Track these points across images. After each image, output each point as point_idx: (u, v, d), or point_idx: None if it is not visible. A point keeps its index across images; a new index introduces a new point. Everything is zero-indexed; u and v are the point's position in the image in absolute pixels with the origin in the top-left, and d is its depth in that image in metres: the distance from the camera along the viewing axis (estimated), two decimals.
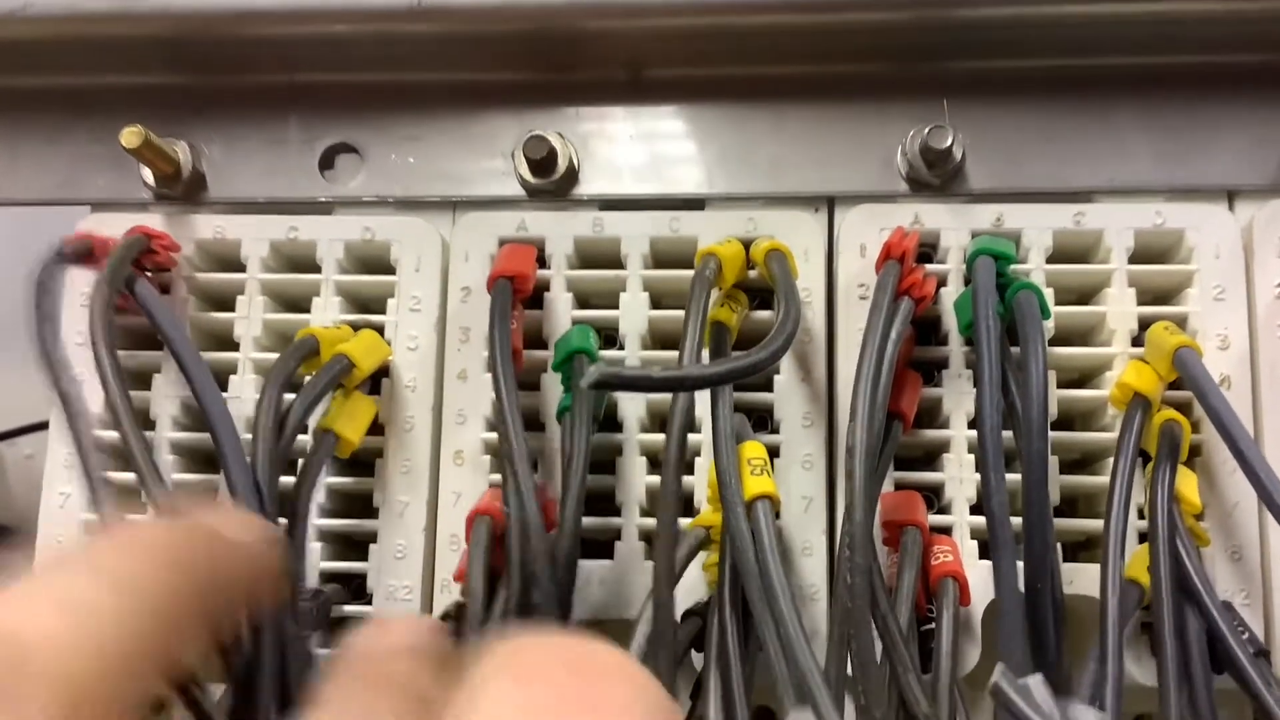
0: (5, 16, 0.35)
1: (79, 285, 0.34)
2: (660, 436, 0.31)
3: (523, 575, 0.28)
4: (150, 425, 0.34)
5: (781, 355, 0.29)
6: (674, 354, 0.30)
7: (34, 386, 0.31)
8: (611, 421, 0.33)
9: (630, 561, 0.32)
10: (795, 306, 0.30)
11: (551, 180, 0.34)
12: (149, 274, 0.33)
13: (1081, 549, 0.33)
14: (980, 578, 0.30)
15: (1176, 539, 0.28)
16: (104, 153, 0.36)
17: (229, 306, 0.35)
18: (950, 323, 0.33)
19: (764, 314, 0.33)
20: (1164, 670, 0.28)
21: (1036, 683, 0.19)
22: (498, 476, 0.33)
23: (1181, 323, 0.32)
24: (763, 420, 0.33)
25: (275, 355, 0.31)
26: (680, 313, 0.30)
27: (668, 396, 0.30)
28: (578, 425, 0.30)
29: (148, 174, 0.36)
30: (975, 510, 0.32)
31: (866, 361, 0.29)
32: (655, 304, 0.34)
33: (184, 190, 0.36)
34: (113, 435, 0.30)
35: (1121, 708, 0.27)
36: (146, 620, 0.18)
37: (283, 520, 0.30)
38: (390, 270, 0.34)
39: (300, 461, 0.31)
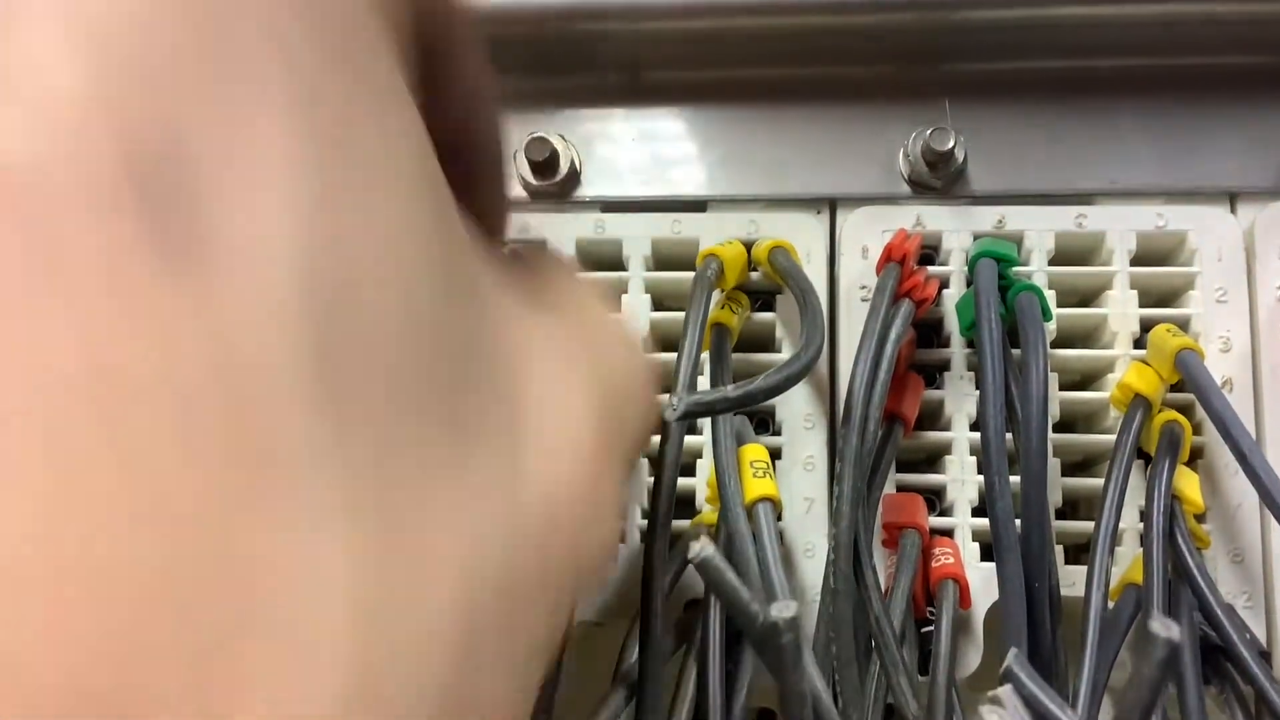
0: None
1: None
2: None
3: None
4: None
5: (822, 349, 0.29)
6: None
7: None
8: None
9: (632, 561, 0.32)
10: (814, 298, 0.30)
11: (553, 182, 0.34)
12: None
13: (1084, 551, 0.33)
14: (982, 580, 0.30)
15: (1176, 534, 0.28)
16: None
17: None
18: (952, 325, 0.33)
19: (765, 315, 0.33)
20: None
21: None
22: None
23: (1183, 325, 0.32)
24: (764, 423, 0.33)
25: None
26: (682, 314, 0.30)
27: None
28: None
29: None
30: (977, 512, 0.32)
31: (862, 364, 0.29)
32: (657, 305, 0.34)
33: None
34: None
35: (1098, 703, 0.27)
36: None
37: None
38: None
39: None
